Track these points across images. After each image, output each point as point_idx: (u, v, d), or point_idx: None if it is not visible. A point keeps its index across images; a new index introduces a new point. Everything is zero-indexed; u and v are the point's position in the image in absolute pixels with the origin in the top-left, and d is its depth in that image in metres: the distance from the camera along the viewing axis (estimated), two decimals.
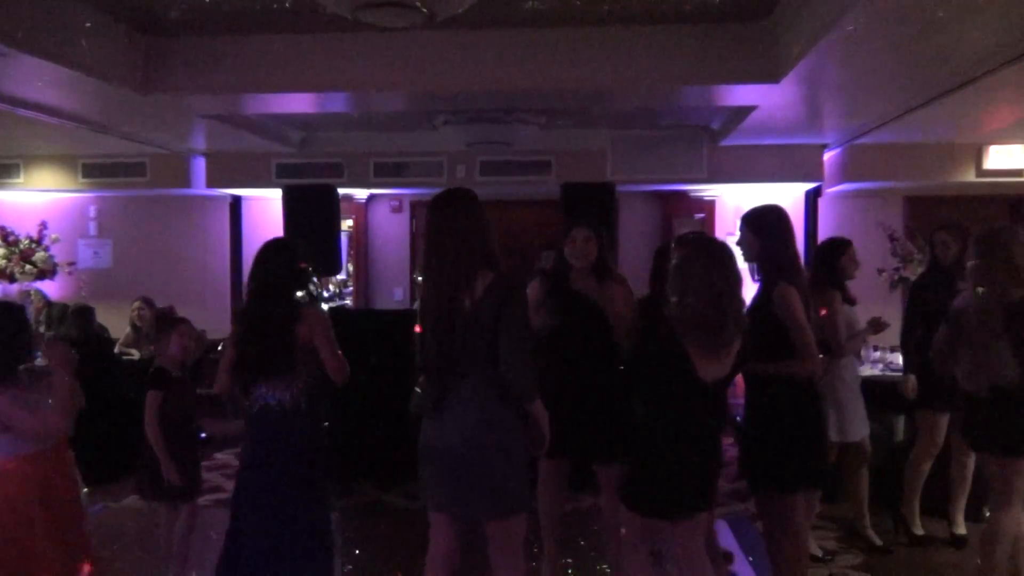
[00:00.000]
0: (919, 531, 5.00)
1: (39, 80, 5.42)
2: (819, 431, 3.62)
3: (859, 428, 4.77)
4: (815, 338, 3.55)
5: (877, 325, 4.71)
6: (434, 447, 3.05)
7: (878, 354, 6.60)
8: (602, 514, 4.24)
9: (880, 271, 7.59)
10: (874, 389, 5.23)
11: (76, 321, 6.67)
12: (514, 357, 2.92)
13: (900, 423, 5.65)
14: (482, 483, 2.98)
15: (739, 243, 3.69)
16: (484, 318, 2.93)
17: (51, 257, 8.78)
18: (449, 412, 3.00)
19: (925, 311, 4.82)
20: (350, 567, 4.79)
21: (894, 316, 5.09)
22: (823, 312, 4.48)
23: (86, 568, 3.34)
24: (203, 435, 4.68)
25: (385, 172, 8.65)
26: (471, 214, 3.04)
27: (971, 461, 4.95)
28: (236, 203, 9.42)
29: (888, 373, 5.85)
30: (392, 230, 9.39)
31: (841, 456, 4.89)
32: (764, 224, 3.68)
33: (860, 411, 4.77)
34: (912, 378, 4.83)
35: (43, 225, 8.86)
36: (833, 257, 4.72)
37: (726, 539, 4.90)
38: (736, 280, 3.08)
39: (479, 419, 2.97)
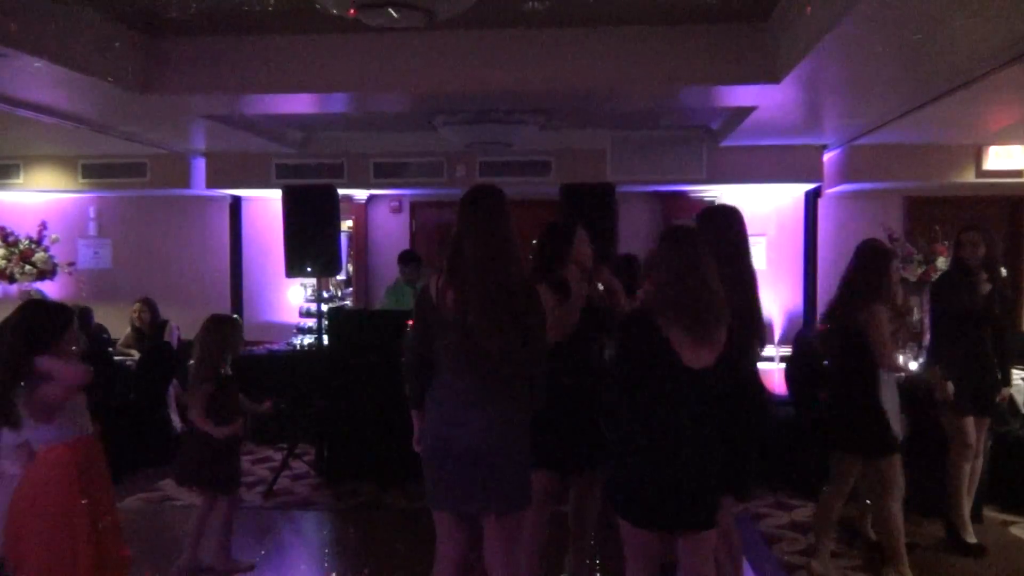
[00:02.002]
0: (971, 539, 4.88)
1: (39, 80, 5.41)
2: (753, 436, 3.55)
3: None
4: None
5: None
6: (442, 446, 3.04)
7: None
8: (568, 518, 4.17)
9: None
10: None
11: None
12: (535, 360, 3.02)
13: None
14: (490, 480, 2.99)
15: None
16: (508, 319, 2.94)
17: (51, 257, 8.79)
18: (458, 410, 3.01)
19: (955, 311, 4.82)
20: (350, 566, 4.79)
21: None
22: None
23: (124, 552, 3.53)
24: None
25: (385, 172, 8.66)
26: (496, 214, 3.04)
27: (979, 463, 4.95)
28: (236, 203, 9.42)
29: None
30: (392, 230, 9.39)
31: None
32: (712, 221, 3.73)
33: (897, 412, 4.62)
34: (949, 385, 4.75)
35: (43, 225, 8.86)
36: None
37: None
38: (702, 268, 3.02)
39: (488, 417, 2.98)
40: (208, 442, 4.40)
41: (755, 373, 3.70)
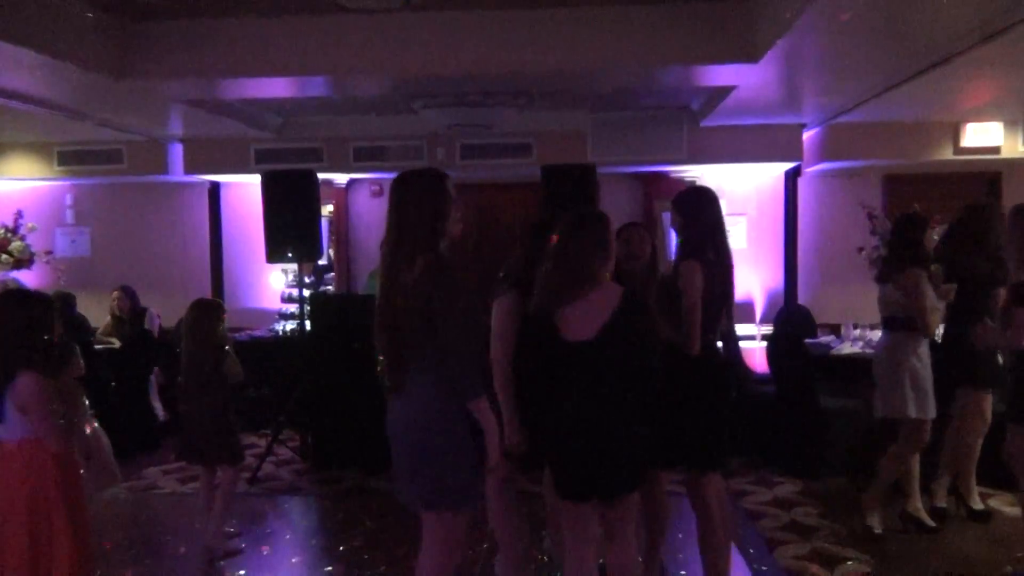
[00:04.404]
0: (978, 506, 5.05)
1: (11, 66, 5.33)
2: (720, 412, 3.60)
3: (932, 406, 4.57)
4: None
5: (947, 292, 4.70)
6: (390, 433, 3.00)
7: (857, 332, 6.66)
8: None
9: (860, 249, 7.64)
10: (856, 365, 5.22)
11: (58, 308, 6.64)
12: (453, 349, 2.78)
13: None
14: (420, 473, 2.89)
15: (671, 222, 3.78)
16: (418, 304, 2.81)
17: (28, 246, 8.67)
18: (397, 399, 2.95)
19: (976, 276, 4.86)
20: (336, 551, 4.80)
21: (873, 295, 5.06)
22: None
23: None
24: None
25: (365, 156, 8.61)
26: (418, 194, 2.94)
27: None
28: (215, 189, 9.35)
29: (868, 351, 5.89)
30: (373, 214, 9.32)
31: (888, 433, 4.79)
32: (686, 203, 3.76)
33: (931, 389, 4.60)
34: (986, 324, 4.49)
35: (19, 214, 8.73)
36: (916, 234, 4.58)
37: None
38: (588, 247, 3.16)
39: (420, 408, 2.88)
40: (209, 415, 4.58)
41: (738, 350, 3.75)
